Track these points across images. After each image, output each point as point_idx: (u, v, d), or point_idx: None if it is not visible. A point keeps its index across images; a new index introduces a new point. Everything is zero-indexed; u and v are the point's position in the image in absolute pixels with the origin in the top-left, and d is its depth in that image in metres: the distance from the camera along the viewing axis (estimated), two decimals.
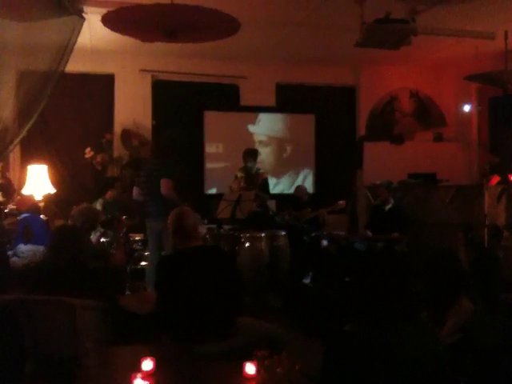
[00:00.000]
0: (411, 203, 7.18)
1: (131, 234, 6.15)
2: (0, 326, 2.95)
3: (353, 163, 8.59)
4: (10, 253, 4.82)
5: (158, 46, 6.63)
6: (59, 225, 4.61)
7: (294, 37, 6.81)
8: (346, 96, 8.83)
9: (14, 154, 7.04)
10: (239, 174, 6.47)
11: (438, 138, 8.68)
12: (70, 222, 4.45)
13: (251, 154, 6.60)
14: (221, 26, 5.06)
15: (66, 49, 4.76)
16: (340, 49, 7.11)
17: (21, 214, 5.56)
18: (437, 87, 8.79)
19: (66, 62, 4.93)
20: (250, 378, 2.40)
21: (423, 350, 1.88)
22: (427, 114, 8.89)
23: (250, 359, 2.41)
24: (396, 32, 4.79)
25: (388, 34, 4.81)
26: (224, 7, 4.65)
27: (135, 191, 5.56)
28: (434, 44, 6.97)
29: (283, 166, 8.61)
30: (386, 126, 8.76)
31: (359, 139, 8.65)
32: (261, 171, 6.66)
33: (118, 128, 7.72)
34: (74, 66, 5.32)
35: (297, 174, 8.66)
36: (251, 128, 8.43)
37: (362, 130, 8.72)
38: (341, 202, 6.81)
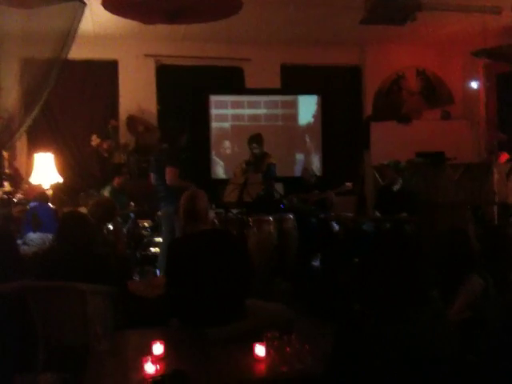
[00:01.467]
0: (419, 183, 7.13)
1: (140, 220, 6.17)
2: (12, 313, 2.97)
3: (360, 144, 8.53)
4: (19, 241, 4.84)
5: (161, 31, 6.59)
6: (66, 211, 4.61)
7: (298, 17, 6.71)
8: (352, 76, 8.72)
9: (21, 143, 7.04)
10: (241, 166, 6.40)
11: (446, 116, 8.58)
12: (85, 211, 4.45)
13: (254, 139, 6.29)
14: (222, 5, 5.01)
15: (68, 35, 4.74)
16: (345, 28, 7.02)
17: (29, 202, 5.59)
18: (444, 64, 8.65)
19: (69, 49, 4.91)
20: (260, 359, 2.42)
21: (432, 334, 1.87)
22: (434, 92, 8.77)
23: (259, 341, 2.42)
24: (401, 7, 4.72)
25: (393, 9, 4.74)
26: None
27: (151, 177, 5.55)
28: (440, 20, 6.84)
29: (287, 149, 8.54)
30: (392, 105, 8.65)
31: (366, 119, 8.57)
32: (268, 154, 6.51)
33: (123, 114, 7.69)
34: (77, 52, 5.31)
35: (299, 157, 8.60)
36: (253, 111, 8.35)
37: (368, 110, 8.63)
38: (347, 183, 6.75)
